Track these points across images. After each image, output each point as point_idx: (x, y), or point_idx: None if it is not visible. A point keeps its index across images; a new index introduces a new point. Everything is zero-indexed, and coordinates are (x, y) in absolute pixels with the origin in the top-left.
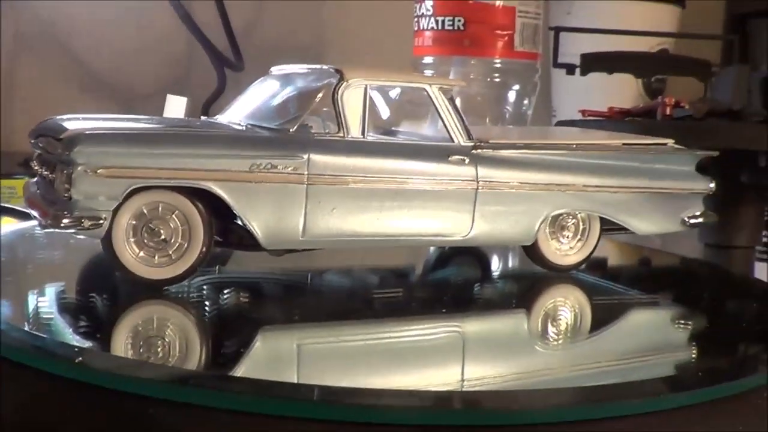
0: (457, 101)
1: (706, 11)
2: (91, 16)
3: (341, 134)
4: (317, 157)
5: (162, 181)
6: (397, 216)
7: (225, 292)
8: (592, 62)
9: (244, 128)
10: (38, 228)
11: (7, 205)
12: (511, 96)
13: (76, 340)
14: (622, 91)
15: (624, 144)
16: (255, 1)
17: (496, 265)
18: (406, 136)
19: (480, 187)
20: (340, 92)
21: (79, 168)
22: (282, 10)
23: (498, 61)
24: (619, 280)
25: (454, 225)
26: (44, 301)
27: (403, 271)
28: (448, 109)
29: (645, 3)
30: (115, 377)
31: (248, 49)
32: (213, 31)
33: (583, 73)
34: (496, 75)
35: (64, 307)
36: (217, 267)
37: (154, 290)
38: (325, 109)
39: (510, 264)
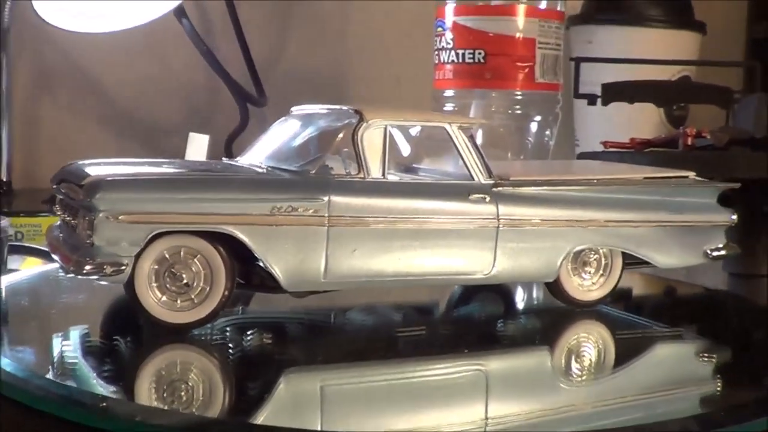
0: (479, 133)
1: (727, 37)
2: (113, 51)
3: (361, 175)
4: (337, 199)
5: (183, 226)
6: (418, 256)
7: (248, 333)
8: (613, 92)
9: (264, 171)
10: (61, 271)
11: (32, 246)
12: (533, 127)
13: (99, 385)
14: (644, 119)
15: (645, 178)
16: (277, 35)
17: (519, 302)
18: (426, 174)
19: (501, 225)
20: (359, 133)
21: (100, 214)
22: (304, 45)
23: (519, 93)
24: (643, 313)
25: (475, 263)
26: (68, 346)
27: (426, 308)
28: (468, 147)
29: (666, 30)
30: (137, 425)
31: (270, 84)
32: (235, 67)
33: (605, 103)
34: (518, 107)
35: (88, 350)
36: (240, 307)
37: (177, 333)
38: (345, 149)
39: (533, 300)
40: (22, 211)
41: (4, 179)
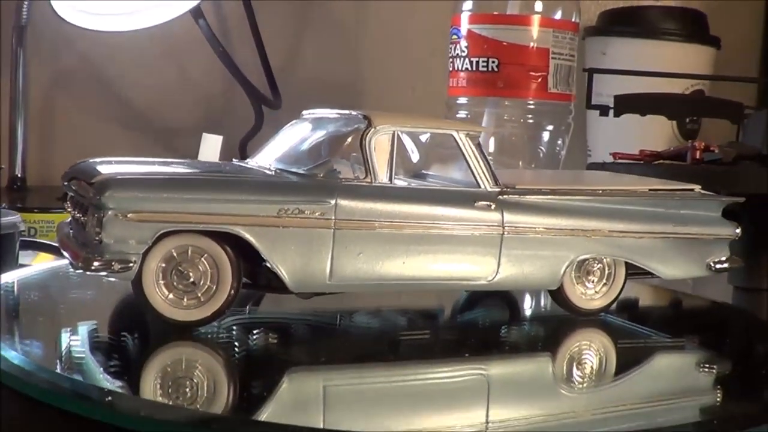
0: (492, 142)
1: (742, 52)
2: (129, 52)
3: (368, 179)
4: (344, 202)
5: (191, 225)
6: (423, 260)
7: (254, 333)
8: (625, 104)
9: (272, 173)
10: (70, 267)
11: (44, 241)
12: (545, 137)
13: (106, 380)
14: (656, 132)
15: (650, 190)
16: (293, 39)
17: (522, 309)
18: (433, 180)
19: (506, 232)
20: (367, 138)
21: (109, 212)
22: (320, 48)
23: (532, 102)
24: (646, 323)
25: (479, 269)
26: (76, 341)
27: (430, 313)
28: (474, 155)
29: (680, 44)
30: (142, 420)
31: (286, 86)
32: (251, 69)
33: (617, 114)
34: (530, 116)
35: (95, 346)
36: (248, 307)
37: (183, 331)
38: (353, 154)
39: (536, 307)
40: (36, 207)
41: (19, 175)
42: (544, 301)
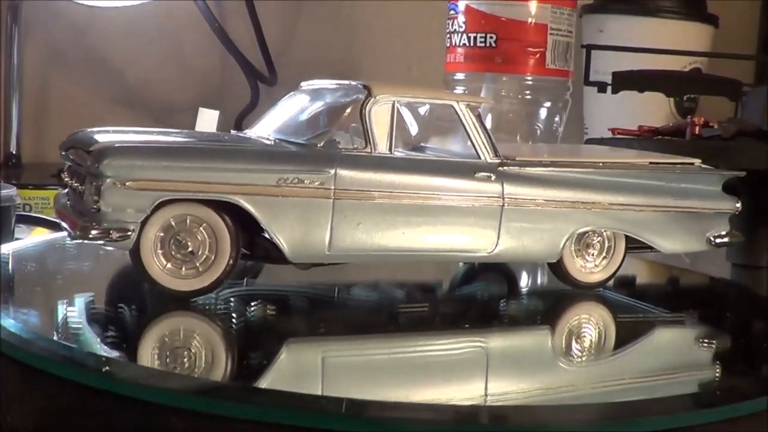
0: (489, 118)
1: (740, 30)
2: (124, 28)
3: (368, 150)
4: (344, 172)
5: (190, 194)
6: (422, 231)
7: (252, 304)
8: (623, 81)
9: (272, 143)
10: (68, 239)
11: (39, 216)
12: (543, 113)
13: (103, 349)
14: (653, 109)
15: (651, 163)
16: (288, 16)
17: (521, 282)
18: (433, 152)
19: (506, 204)
20: (367, 108)
21: (107, 180)
22: (315, 25)
23: (529, 78)
24: (645, 299)
25: (479, 241)
26: (73, 311)
27: (429, 286)
28: (475, 126)
29: (678, 21)
30: (140, 387)
31: (281, 63)
32: (247, 45)
33: (614, 91)
34: (528, 92)
35: (92, 317)
36: (245, 279)
37: (181, 302)
38: (353, 124)
39: (535, 281)
40: (31, 183)
41: (14, 152)
42: (543, 274)
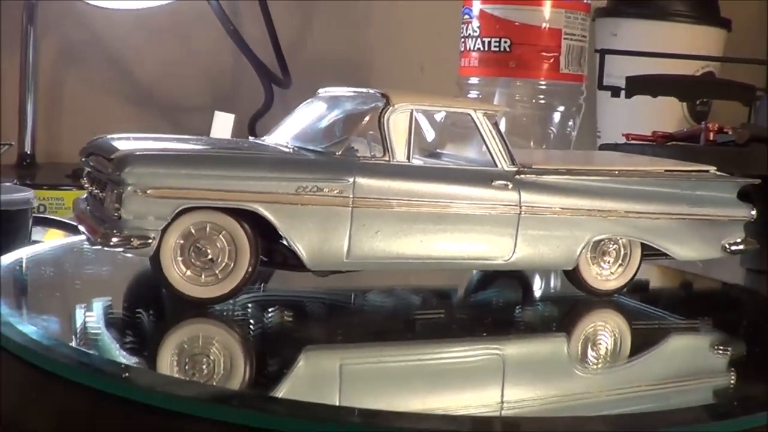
0: (502, 122)
1: (753, 34)
2: (139, 30)
3: (386, 158)
4: (362, 181)
5: (210, 202)
6: (440, 239)
7: (269, 310)
8: (637, 85)
9: (290, 151)
10: (86, 243)
11: (56, 218)
12: (556, 117)
13: (122, 356)
14: (666, 113)
15: (666, 170)
16: (302, 18)
17: (537, 289)
18: (450, 159)
19: (522, 212)
20: (386, 116)
21: (129, 188)
22: (329, 27)
23: (543, 82)
24: (660, 305)
25: (496, 249)
26: (91, 317)
27: (445, 292)
28: (492, 134)
29: (691, 25)
30: (158, 394)
31: (295, 65)
32: (260, 47)
33: (628, 95)
34: (541, 96)
35: (111, 322)
36: (261, 285)
37: (199, 308)
38: (371, 132)
39: (551, 288)
40: (45, 184)
41: (29, 152)
42: (558, 281)
